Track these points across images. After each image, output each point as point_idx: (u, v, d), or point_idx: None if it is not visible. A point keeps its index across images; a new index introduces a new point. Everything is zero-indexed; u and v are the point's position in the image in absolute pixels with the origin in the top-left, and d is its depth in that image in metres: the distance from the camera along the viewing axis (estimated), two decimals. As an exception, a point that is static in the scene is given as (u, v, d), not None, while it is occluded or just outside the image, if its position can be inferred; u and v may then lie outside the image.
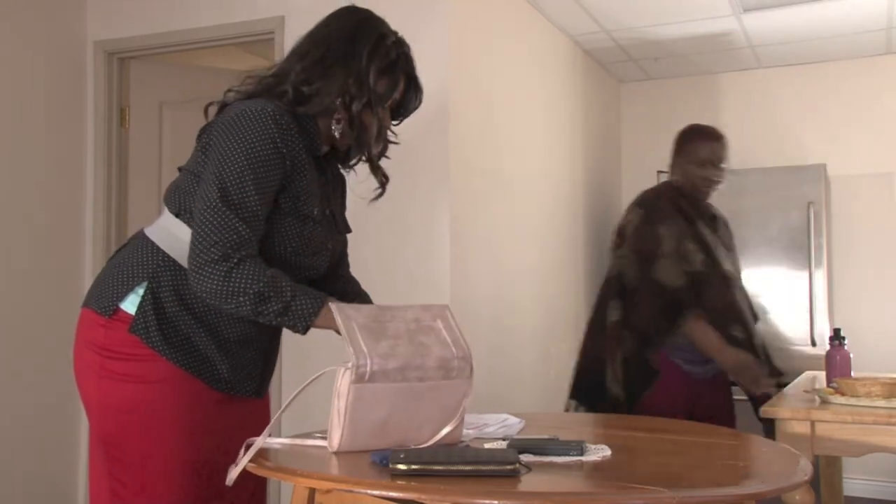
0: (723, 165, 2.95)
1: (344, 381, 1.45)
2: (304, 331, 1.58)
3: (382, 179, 1.83)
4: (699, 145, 2.93)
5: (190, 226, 1.63)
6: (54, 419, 3.66)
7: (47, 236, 3.69)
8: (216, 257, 1.53)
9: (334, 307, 1.50)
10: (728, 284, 2.85)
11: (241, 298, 1.53)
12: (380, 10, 1.82)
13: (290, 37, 3.61)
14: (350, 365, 1.43)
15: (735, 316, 2.83)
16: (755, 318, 3.09)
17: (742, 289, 3.00)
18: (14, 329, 3.51)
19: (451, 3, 3.37)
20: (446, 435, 1.53)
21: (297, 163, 1.65)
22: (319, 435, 1.58)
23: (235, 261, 1.53)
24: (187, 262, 1.57)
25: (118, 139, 3.88)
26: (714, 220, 3.05)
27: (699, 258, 2.83)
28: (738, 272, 3.02)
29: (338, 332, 1.50)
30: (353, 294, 1.92)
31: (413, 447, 1.47)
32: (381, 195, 1.86)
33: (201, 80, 3.93)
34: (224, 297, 1.54)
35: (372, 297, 1.98)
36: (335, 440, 1.47)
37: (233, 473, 1.45)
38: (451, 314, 1.59)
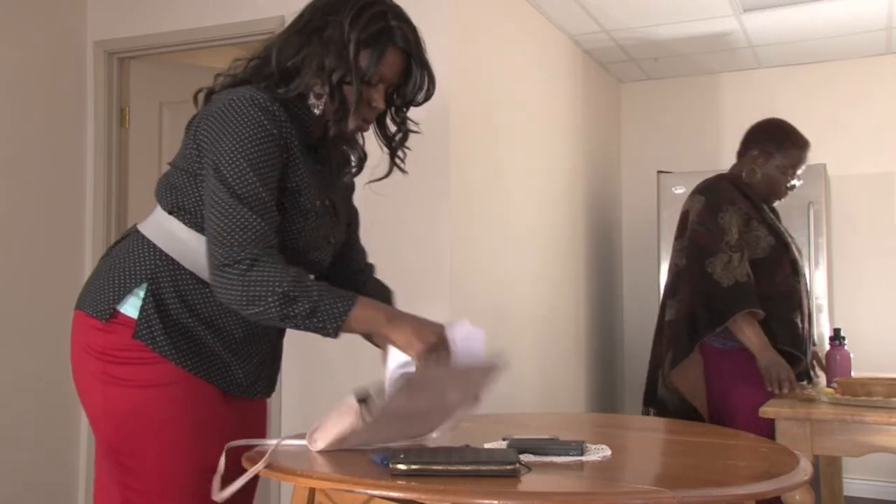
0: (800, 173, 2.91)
1: (354, 418, 1.46)
2: (335, 334, 1.47)
3: (360, 155, 1.76)
4: (792, 152, 2.85)
5: (184, 222, 1.58)
6: (54, 421, 3.65)
7: (47, 236, 3.69)
8: (237, 257, 1.44)
9: (404, 380, 1.44)
10: (795, 270, 2.82)
11: (269, 300, 1.43)
12: (380, 9, 1.81)
13: (290, 37, 3.62)
14: (365, 418, 1.45)
15: (797, 303, 2.78)
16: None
17: (804, 276, 2.93)
18: (14, 329, 3.51)
19: (451, 3, 3.37)
20: None
21: (292, 152, 1.57)
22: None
23: (254, 255, 1.44)
24: (208, 270, 1.49)
25: (118, 139, 3.88)
26: (773, 210, 3.02)
27: (768, 243, 2.76)
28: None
29: (368, 339, 1.58)
30: (373, 291, 1.81)
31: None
32: (357, 173, 1.80)
33: (201, 80, 3.83)
34: (248, 301, 1.44)
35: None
36: (320, 444, 1.51)
37: (226, 492, 1.44)
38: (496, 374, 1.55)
